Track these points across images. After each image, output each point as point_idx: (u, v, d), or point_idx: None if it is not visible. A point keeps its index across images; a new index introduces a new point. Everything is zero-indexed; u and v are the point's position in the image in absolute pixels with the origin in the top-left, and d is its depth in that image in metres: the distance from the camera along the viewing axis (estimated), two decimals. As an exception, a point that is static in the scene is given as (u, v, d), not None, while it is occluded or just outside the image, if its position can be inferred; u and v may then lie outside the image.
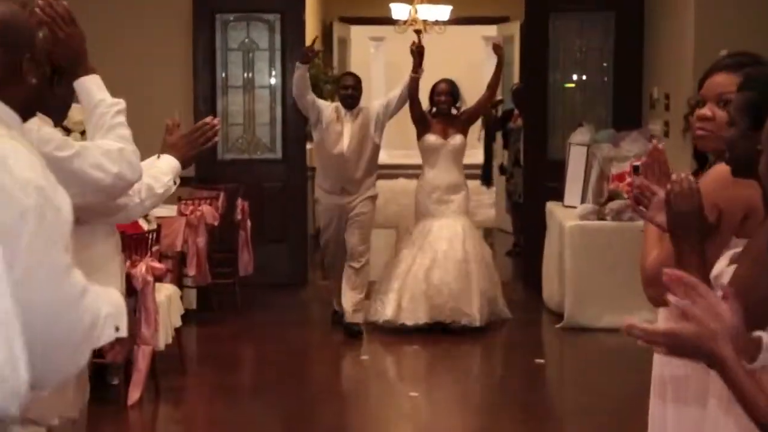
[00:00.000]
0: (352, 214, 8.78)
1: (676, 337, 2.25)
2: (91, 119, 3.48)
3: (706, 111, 3.15)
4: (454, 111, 9.05)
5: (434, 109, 9.02)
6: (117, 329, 2.70)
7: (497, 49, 9.20)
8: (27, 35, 2.74)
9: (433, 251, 8.83)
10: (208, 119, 4.29)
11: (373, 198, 9.01)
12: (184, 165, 4.07)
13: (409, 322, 8.71)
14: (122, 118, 3.53)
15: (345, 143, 8.66)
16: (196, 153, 4.16)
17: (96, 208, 3.54)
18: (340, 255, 8.94)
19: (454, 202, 9.00)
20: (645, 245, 3.26)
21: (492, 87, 9.27)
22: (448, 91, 8.96)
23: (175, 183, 3.93)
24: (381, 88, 23.00)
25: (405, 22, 15.13)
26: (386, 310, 8.85)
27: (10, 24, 2.71)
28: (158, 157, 3.88)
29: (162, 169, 3.82)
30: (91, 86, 3.49)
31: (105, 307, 2.61)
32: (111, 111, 3.47)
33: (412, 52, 9.01)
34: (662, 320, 3.22)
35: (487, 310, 8.74)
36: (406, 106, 9.02)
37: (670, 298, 2.23)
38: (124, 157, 3.41)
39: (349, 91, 8.84)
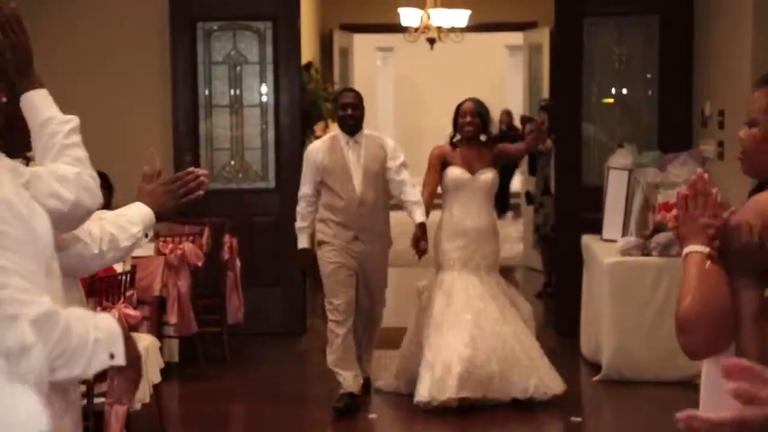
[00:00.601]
0: (364, 267, 8.28)
1: (747, 425, 2.22)
2: (40, 139, 3.43)
3: (740, 133, 3.20)
4: (482, 137, 8.53)
5: (458, 136, 8.49)
6: (112, 356, 2.74)
7: (535, 139, 9.27)
8: None
9: (464, 318, 8.13)
10: (192, 168, 4.20)
11: (388, 242, 8.56)
12: (159, 217, 4.01)
13: (454, 402, 8.00)
14: (77, 138, 3.48)
15: (357, 181, 8.16)
16: (174, 206, 4.09)
17: (74, 267, 3.55)
18: (350, 320, 8.28)
19: (483, 254, 8.45)
20: (681, 287, 3.24)
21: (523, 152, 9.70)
22: (475, 112, 8.40)
23: (146, 236, 3.89)
24: (389, 107, 23.10)
25: (416, 29, 15.22)
26: (421, 389, 8.05)
27: None
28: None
29: (131, 218, 3.77)
30: (40, 101, 3.43)
31: (91, 332, 2.67)
32: (63, 130, 3.42)
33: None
34: (704, 380, 3.25)
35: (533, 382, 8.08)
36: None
37: (731, 386, 2.21)
38: (81, 182, 3.38)
39: (349, 111, 8.22)
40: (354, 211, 8.14)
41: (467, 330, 8.03)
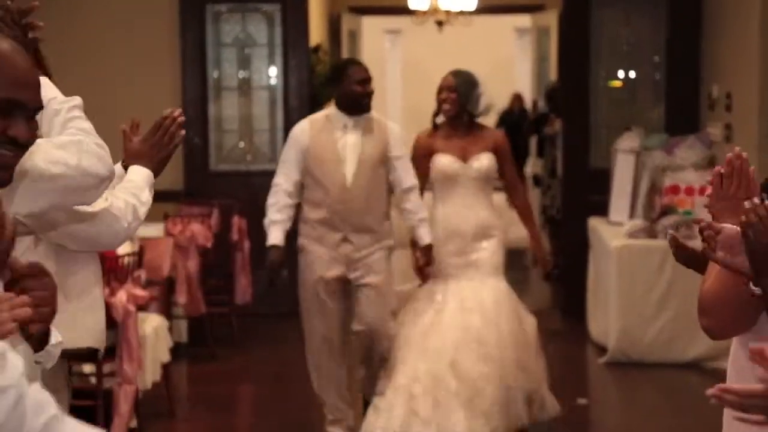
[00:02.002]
0: (359, 279, 6.56)
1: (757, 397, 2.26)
2: (45, 121, 3.42)
3: None
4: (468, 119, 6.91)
5: (440, 116, 6.96)
6: None
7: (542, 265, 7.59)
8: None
9: (453, 335, 6.61)
10: (167, 111, 4.12)
11: (390, 249, 6.73)
12: (156, 173, 3.96)
13: None
14: (79, 113, 3.49)
15: (349, 170, 6.50)
16: (166, 155, 4.02)
17: (79, 235, 3.53)
18: (337, 352, 6.63)
19: (482, 254, 6.82)
20: (708, 267, 3.26)
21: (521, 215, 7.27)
22: (452, 86, 6.78)
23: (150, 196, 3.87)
24: (398, 89, 23.04)
25: (425, 12, 15.23)
26: (391, 420, 6.58)
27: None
28: (123, 166, 3.76)
29: (137, 184, 3.73)
30: (44, 88, 3.42)
31: None
32: (64, 107, 3.44)
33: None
34: (731, 361, 3.24)
35: (530, 409, 6.75)
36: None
37: (759, 372, 2.26)
38: (85, 148, 3.37)
39: (367, 88, 6.58)
40: (342, 207, 6.46)
41: (448, 359, 6.52)
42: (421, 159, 6.83)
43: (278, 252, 6.54)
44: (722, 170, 3.14)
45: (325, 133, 6.50)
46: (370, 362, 6.72)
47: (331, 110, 6.60)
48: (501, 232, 6.92)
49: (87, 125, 3.49)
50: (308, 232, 6.59)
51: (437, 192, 6.90)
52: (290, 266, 7.53)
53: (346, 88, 6.49)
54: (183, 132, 3.97)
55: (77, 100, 3.53)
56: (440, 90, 6.80)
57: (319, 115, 6.76)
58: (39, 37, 3.40)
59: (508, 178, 6.87)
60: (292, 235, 6.78)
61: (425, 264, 6.71)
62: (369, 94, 6.57)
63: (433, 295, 6.73)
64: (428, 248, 6.64)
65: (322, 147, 6.48)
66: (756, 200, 2.78)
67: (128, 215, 3.59)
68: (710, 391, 2.36)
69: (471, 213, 6.79)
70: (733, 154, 3.19)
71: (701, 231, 3.08)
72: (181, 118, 3.95)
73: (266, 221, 6.58)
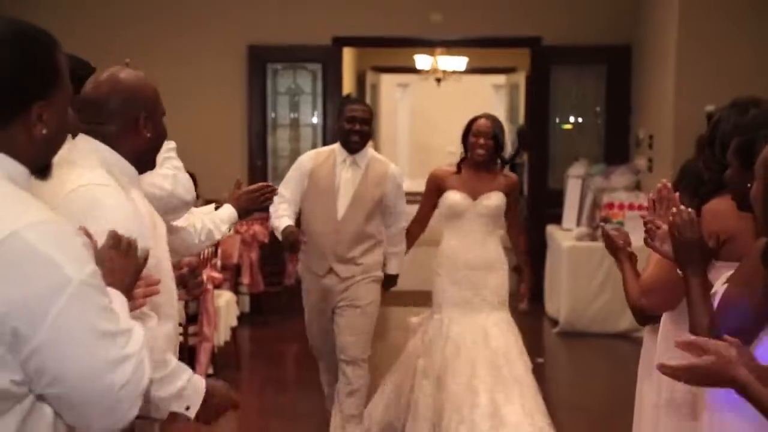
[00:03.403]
0: (341, 302, 5.30)
1: (699, 369, 2.26)
2: None
3: None
4: (500, 166, 5.64)
5: (467, 155, 5.50)
6: (187, 408, 2.69)
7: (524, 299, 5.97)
8: (146, 94, 2.81)
9: (465, 366, 5.37)
10: (269, 183, 4.25)
11: (377, 280, 5.41)
12: (241, 216, 4.07)
13: None
14: (173, 154, 3.53)
15: (342, 205, 5.28)
16: (253, 209, 4.17)
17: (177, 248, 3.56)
18: (333, 365, 5.45)
19: (488, 288, 5.50)
20: (647, 266, 3.30)
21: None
22: (490, 133, 5.40)
23: (229, 230, 3.98)
24: (406, 130, 23.00)
25: (427, 71, 15.26)
26: None
27: (132, 87, 2.78)
28: (215, 208, 3.90)
29: (222, 218, 3.83)
30: None
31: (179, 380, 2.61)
32: (165, 148, 3.38)
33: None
34: (661, 331, 3.22)
35: None
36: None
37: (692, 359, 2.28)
38: (178, 180, 3.40)
39: (357, 126, 5.25)
40: (332, 238, 5.25)
41: (457, 395, 5.31)
42: (432, 193, 5.58)
43: (291, 229, 5.19)
44: (653, 196, 3.13)
45: (326, 165, 5.33)
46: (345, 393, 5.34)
47: (336, 145, 5.40)
48: (506, 267, 5.62)
49: (179, 164, 3.55)
50: (303, 261, 5.46)
51: (447, 226, 5.57)
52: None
53: (339, 123, 5.33)
54: (271, 201, 4.13)
55: (172, 144, 3.54)
56: (477, 134, 5.38)
57: (326, 148, 5.57)
58: None
59: (510, 219, 5.64)
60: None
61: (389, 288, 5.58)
62: (358, 132, 5.24)
63: (442, 326, 5.44)
64: (393, 278, 5.57)
65: (322, 177, 5.30)
66: (681, 207, 2.77)
67: (202, 235, 3.67)
68: (658, 365, 2.37)
69: (479, 248, 5.47)
70: (661, 184, 3.17)
71: (646, 224, 3.09)
72: (276, 190, 4.12)
73: (271, 223, 5.46)
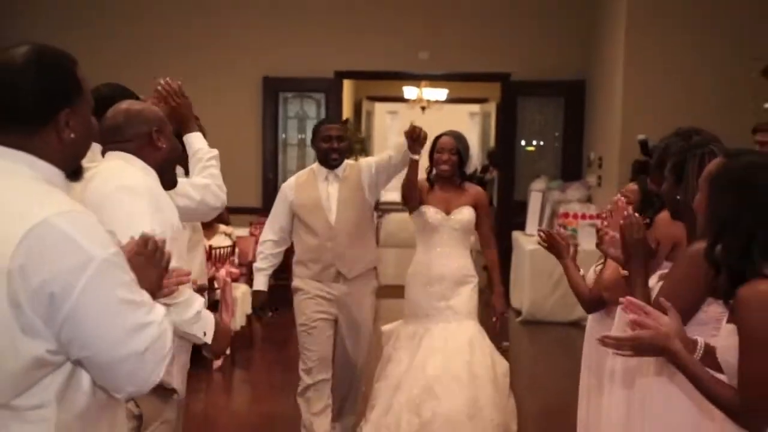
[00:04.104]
0: (346, 319, 4.86)
1: (639, 340, 2.28)
2: (193, 162, 3.47)
3: None
4: (461, 180, 4.98)
5: (434, 172, 4.95)
6: (204, 334, 2.81)
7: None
8: (152, 115, 2.89)
9: (424, 374, 4.71)
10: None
11: (374, 294, 4.99)
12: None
13: None
14: (214, 162, 3.46)
15: (332, 217, 4.79)
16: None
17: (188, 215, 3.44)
18: (323, 370, 4.83)
19: (460, 299, 4.90)
20: (606, 267, 3.39)
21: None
22: (454, 148, 4.86)
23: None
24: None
25: (413, 100, 15.25)
26: None
27: (141, 112, 2.89)
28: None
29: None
30: (194, 140, 3.50)
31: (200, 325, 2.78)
32: (205, 157, 3.42)
33: (406, 134, 4.68)
34: (617, 324, 3.14)
35: None
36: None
37: (630, 317, 2.30)
38: (207, 189, 3.34)
39: (334, 144, 4.81)
40: (331, 243, 4.77)
41: (427, 386, 4.67)
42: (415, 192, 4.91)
43: (262, 295, 5.02)
44: (611, 208, 3.10)
45: (308, 185, 4.86)
46: (341, 389, 4.97)
47: (315, 165, 4.94)
48: (476, 279, 5.03)
49: (216, 172, 3.45)
50: (303, 272, 4.87)
51: (421, 239, 4.97)
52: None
53: (316, 144, 4.85)
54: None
55: (215, 152, 3.51)
56: (441, 150, 4.86)
57: (305, 171, 5.05)
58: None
59: (483, 231, 5.04)
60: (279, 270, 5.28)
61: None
62: (335, 150, 4.81)
63: (414, 335, 4.87)
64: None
65: (306, 197, 4.82)
66: (630, 211, 2.84)
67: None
68: (597, 338, 2.40)
69: (451, 261, 4.89)
70: (617, 198, 3.17)
71: (598, 231, 3.12)
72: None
73: (255, 266, 5.11)
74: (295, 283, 4.91)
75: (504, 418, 4.73)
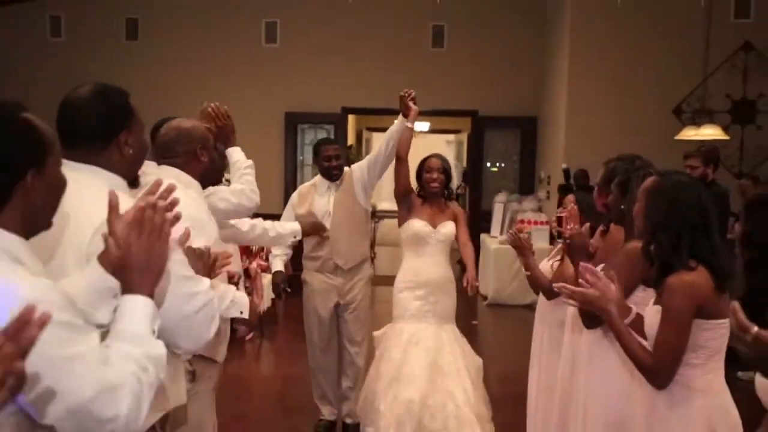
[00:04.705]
0: (345, 303, 4.62)
1: (587, 296, 2.31)
2: (233, 170, 3.43)
3: None
4: (445, 199, 4.56)
5: (421, 191, 4.48)
6: (241, 313, 2.73)
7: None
8: (198, 134, 2.74)
9: (418, 374, 4.25)
10: (326, 228, 4.40)
11: (369, 281, 4.73)
12: (303, 234, 4.17)
13: None
14: (249, 171, 3.39)
15: (328, 222, 4.53)
16: (314, 234, 4.38)
17: (231, 237, 3.49)
18: (330, 354, 4.69)
19: (441, 304, 4.45)
20: (559, 266, 3.39)
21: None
22: (441, 168, 4.47)
23: (294, 238, 4.01)
24: (388, 172, 22.81)
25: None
26: None
27: (188, 130, 2.73)
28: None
29: (284, 227, 3.90)
30: (235, 153, 3.45)
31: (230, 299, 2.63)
32: (242, 166, 3.37)
33: (401, 98, 4.37)
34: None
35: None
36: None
37: (586, 276, 2.31)
38: (243, 194, 3.26)
39: (333, 162, 4.59)
40: (327, 245, 4.54)
41: (419, 386, 4.22)
42: (408, 187, 4.50)
43: (280, 274, 4.76)
44: (566, 215, 2.99)
45: (309, 197, 4.65)
46: (349, 368, 4.68)
47: (317, 178, 4.72)
48: (455, 286, 4.57)
49: (251, 179, 3.37)
50: (310, 265, 4.66)
51: (410, 248, 4.48)
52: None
53: (319, 162, 4.63)
54: (326, 234, 4.44)
55: (250, 162, 3.42)
56: (430, 170, 4.45)
57: (307, 184, 4.79)
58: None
59: (462, 239, 4.57)
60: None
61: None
62: (336, 167, 4.59)
63: (401, 335, 4.39)
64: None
65: (308, 205, 4.59)
66: (577, 227, 2.86)
67: (255, 231, 3.80)
68: (556, 286, 2.43)
69: (436, 268, 4.46)
70: (571, 207, 3.11)
71: (559, 233, 3.09)
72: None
73: (270, 254, 4.89)
74: (304, 275, 4.71)
75: (479, 407, 4.33)
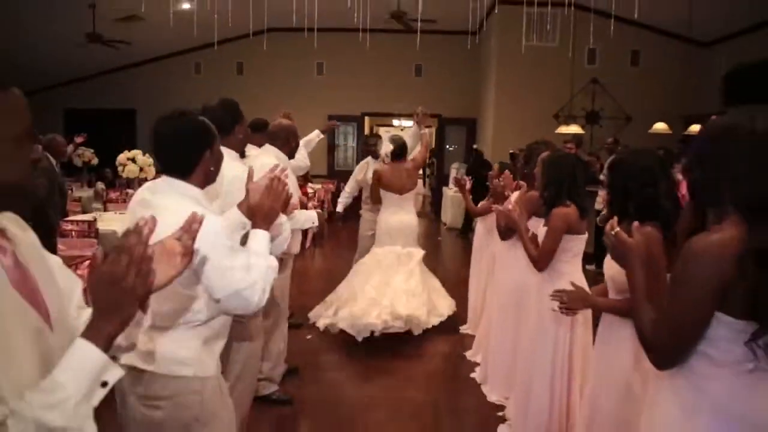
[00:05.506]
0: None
1: (572, 294, 1.82)
2: (301, 147, 3.22)
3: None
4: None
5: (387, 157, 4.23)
6: (313, 223, 2.45)
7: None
8: (290, 131, 2.59)
9: (385, 273, 3.95)
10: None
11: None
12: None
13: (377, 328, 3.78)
14: (304, 149, 3.17)
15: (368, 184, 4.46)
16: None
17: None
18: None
19: (404, 239, 4.07)
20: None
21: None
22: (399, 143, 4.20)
23: (313, 224, 2.70)
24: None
25: (402, 128, 14.78)
26: (372, 319, 3.79)
27: (286, 128, 2.55)
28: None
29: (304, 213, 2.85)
30: (303, 140, 3.15)
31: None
32: (302, 146, 3.03)
33: (415, 115, 4.26)
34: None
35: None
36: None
37: (566, 298, 1.87)
38: (303, 158, 3.00)
39: (371, 148, 4.82)
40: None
41: (390, 286, 3.86)
42: (376, 183, 4.22)
43: (340, 214, 4.72)
44: (502, 180, 2.89)
45: (364, 167, 4.69)
46: None
47: (369, 158, 4.77)
48: (416, 227, 4.20)
49: (305, 152, 3.33)
50: (365, 207, 4.66)
51: (384, 204, 4.19)
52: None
53: (365, 148, 4.11)
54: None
55: (308, 141, 3.40)
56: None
57: (363, 162, 4.79)
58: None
59: (419, 161, 4.19)
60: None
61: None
62: (373, 152, 4.65)
63: (375, 255, 4.09)
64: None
65: (364, 174, 4.62)
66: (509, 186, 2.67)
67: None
68: (550, 294, 1.92)
69: (407, 217, 4.13)
70: (505, 174, 3.08)
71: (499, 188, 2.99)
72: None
73: (339, 201, 4.76)
74: (362, 211, 4.65)
75: (443, 309, 4.06)
